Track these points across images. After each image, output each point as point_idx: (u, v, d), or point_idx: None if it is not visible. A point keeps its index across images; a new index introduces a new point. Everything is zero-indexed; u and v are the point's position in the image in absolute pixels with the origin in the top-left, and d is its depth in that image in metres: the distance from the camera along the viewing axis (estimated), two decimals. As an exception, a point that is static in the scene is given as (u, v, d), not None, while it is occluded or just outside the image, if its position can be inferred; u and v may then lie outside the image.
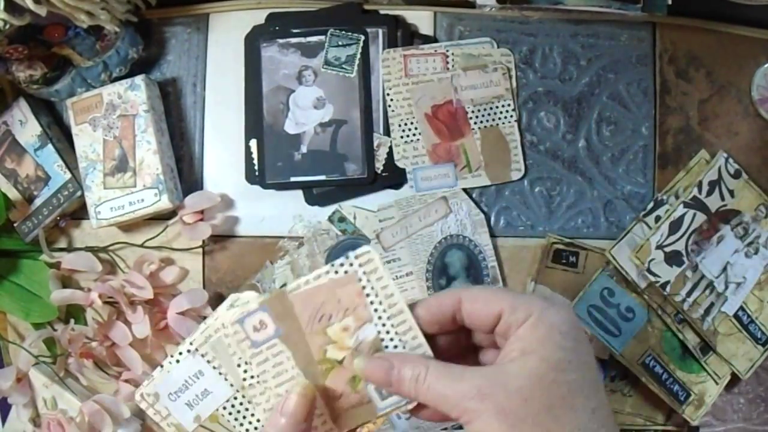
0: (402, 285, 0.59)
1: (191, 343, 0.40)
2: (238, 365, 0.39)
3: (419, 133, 0.60)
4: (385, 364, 0.36)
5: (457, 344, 0.39)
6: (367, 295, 0.37)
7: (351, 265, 0.37)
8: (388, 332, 0.37)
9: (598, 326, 0.57)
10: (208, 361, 0.40)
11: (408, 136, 0.60)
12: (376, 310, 0.37)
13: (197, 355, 0.40)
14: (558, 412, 0.32)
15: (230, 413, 0.40)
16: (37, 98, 0.62)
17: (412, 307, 0.37)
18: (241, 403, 0.40)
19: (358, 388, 0.38)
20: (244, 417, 0.40)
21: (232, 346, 0.38)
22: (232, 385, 0.39)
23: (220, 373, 0.40)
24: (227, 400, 0.40)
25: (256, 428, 0.40)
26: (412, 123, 0.60)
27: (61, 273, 0.62)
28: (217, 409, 0.40)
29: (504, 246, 0.60)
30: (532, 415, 0.32)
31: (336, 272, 0.37)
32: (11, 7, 0.51)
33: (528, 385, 0.33)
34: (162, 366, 0.40)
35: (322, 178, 0.60)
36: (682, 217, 0.58)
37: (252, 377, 0.38)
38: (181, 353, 0.40)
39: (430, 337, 0.38)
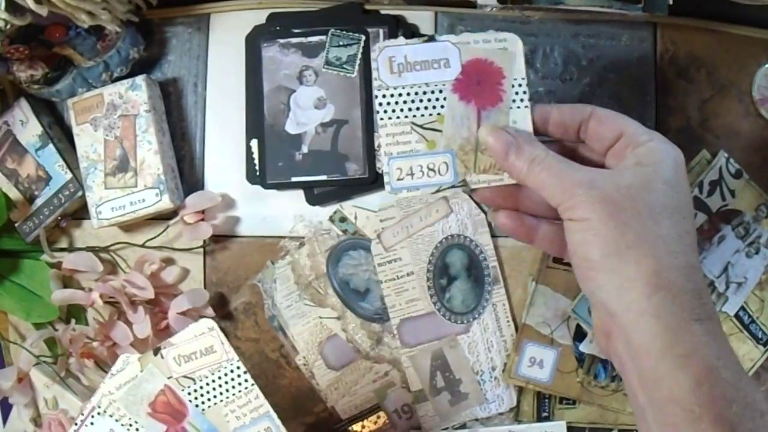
0: (403, 285, 0.59)
1: (99, 406, 0.43)
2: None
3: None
4: (508, 137, 0.39)
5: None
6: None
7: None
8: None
9: (599, 326, 0.57)
10: (117, 420, 0.43)
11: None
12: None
13: (106, 417, 0.43)
14: (658, 216, 0.35)
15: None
16: (38, 98, 0.62)
17: (546, 107, 0.42)
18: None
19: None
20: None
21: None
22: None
23: (137, 429, 0.44)
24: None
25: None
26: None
27: (62, 273, 0.62)
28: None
29: (505, 246, 0.60)
30: (635, 210, 0.35)
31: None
32: (12, 7, 0.51)
33: (637, 185, 0.35)
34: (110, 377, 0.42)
35: (323, 178, 0.60)
36: (683, 217, 0.58)
37: None
38: (92, 416, 0.43)
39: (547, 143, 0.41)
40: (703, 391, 0.32)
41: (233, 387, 0.44)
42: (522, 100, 0.45)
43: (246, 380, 0.44)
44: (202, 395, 0.44)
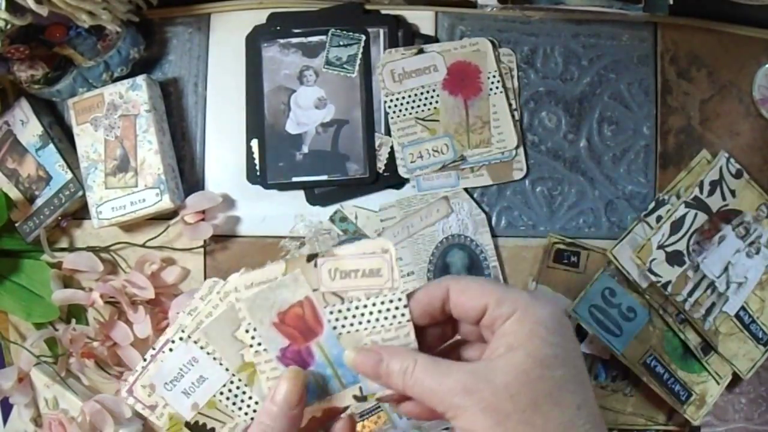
0: (403, 285, 0.59)
1: (182, 331, 0.39)
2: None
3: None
4: (375, 356, 0.37)
5: (443, 338, 0.39)
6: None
7: None
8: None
9: (600, 326, 0.57)
10: (201, 347, 0.39)
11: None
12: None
13: (190, 342, 0.39)
14: (544, 408, 0.32)
15: (227, 398, 0.39)
16: (39, 98, 0.62)
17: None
18: (237, 387, 0.39)
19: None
20: (242, 401, 0.39)
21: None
22: (227, 370, 0.39)
23: (215, 359, 0.39)
24: (224, 385, 0.39)
25: (254, 411, 0.39)
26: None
27: (62, 273, 0.62)
28: (214, 395, 0.39)
29: (505, 246, 0.60)
30: (518, 411, 0.32)
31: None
32: (13, 7, 0.51)
33: (514, 381, 0.32)
34: (149, 358, 0.39)
35: (324, 178, 0.60)
36: (683, 217, 0.58)
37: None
38: (173, 341, 0.39)
39: (418, 330, 0.38)
40: None
41: (386, 318, 0.38)
42: (498, 88, 0.59)
43: (403, 315, 0.38)
44: (345, 318, 0.38)
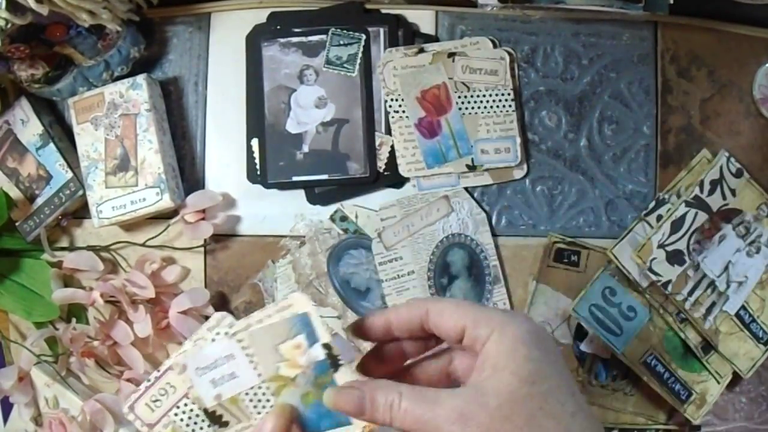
0: (404, 284, 0.59)
1: (230, 326, 0.40)
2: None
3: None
4: (356, 393, 0.36)
5: (426, 349, 0.40)
6: None
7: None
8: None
9: (600, 325, 0.57)
10: (243, 347, 0.40)
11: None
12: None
13: (233, 340, 0.40)
14: (540, 422, 0.33)
15: (251, 400, 0.40)
16: (39, 97, 0.62)
17: (377, 316, 0.39)
18: (264, 394, 0.40)
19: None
20: (263, 407, 0.40)
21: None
22: (259, 375, 0.40)
23: (251, 361, 0.40)
24: (251, 388, 0.40)
25: None
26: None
27: (62, 272, 0.62)
28: (240, 394, 0.40)
29: (505, 245, 0.60)
30: (516, 430, 0.32)
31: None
32: (13, 6, 0.51)
33: (506, 402, 0.33)
34: (152, 379, 0.40)
35: (324, 177, 0.60)
36: (683, 217, 0.58)
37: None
38: (218, 333, 0.40)
39: (398, 341, 0.39)
40: None
41: (497, 107, 0.58)
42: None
43: (510, 106, 0.57)
44: (468, 102, 0.57)
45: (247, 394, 0.40)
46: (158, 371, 0.40)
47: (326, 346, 0.39)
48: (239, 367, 0.40)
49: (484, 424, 0.33)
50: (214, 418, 0.41)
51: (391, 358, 0.40)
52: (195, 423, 0.40)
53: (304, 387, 0.39)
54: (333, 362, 0.39)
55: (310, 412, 0.40)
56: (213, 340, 0.40)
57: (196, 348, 0.40)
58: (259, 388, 0.40)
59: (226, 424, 0.41)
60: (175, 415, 0.40)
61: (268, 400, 0.40)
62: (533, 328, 0.35)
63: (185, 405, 0.40)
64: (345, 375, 0.38)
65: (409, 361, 0.40)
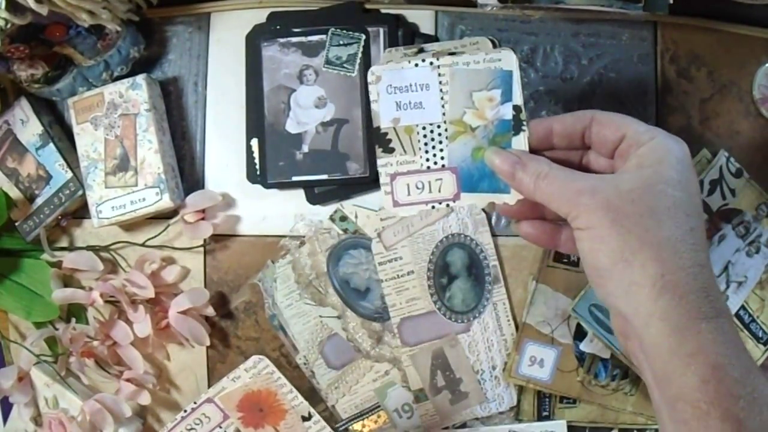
0: (403, 284, 0.59)
1: (437, 58, 0.40)
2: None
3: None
4: (513, 156, 0.40)
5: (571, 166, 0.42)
6: None
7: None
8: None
9: (600, 325, 0.57)
10: (440, 82, 0.40)
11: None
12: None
13: (435, 71, 0.40)
14: (660, 217, 0.35)
15: (425, 136, 0.41)
16: (39, 97, 0.62)
17: (542, 121, 0.41)
18: (440, 134, 0.41)
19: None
20: (433, 147, 0.40)
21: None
22: (444, 114, 0.40)
23: (442, 98, 0.40)
24: (431, 124, 0.41)
25: (434, 164, 0.41)
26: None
27: (62, 272, 0.62)
28: (417, 125, 0.41)
29: (505, 245, 0.60)
30: (637, 214, 0.35)
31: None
32: (13, 6, 0.51)
33: (638, 188, 0.36)
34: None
35: (324, 177, 0.60)
36: (683, 216, 0.58)
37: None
38: (423, 60, 0.41)
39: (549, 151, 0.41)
40: (710, 388, 0.33)
41: None
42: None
43: None
44: None
45: (424, 128, 0.41)
46: (195, 403, 0.40)
47: (516, 108, 0.41)
48: (429, 99, 0.41)
49: (609, 200, 0.36)
50: (382, 139, 0.41)
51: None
52: None
53: (480, 141, 0.41)
54: (517, 125, 0.41)
55: (475, 168, 0.41)
56: (416, 65, 0.41)
57: (397, 66, 0.41)
58: (438, 126, 0.41)
59: (391, 150, 0.41)
60: None
61: (440, 142, 0.40)
62: (686, 151, 0.38)
63: None
64: (521, 143, 0.40)
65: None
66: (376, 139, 0.42)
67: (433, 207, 0.43)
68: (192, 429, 0.41)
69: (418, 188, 0.42)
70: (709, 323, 0.34)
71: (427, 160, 0.42)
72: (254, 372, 0.40)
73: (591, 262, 0.37)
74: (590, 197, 0.36)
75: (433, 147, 0.41)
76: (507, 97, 0.41)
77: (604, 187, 0.36)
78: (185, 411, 0.40)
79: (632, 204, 0.35)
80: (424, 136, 0.41)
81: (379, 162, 0.43)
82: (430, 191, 0.42)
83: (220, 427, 0.41)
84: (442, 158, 0.42)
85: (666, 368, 0.34)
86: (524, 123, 0.41)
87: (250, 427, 0.41)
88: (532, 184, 0.39)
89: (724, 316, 0.35)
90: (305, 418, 0.40)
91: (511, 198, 0.41)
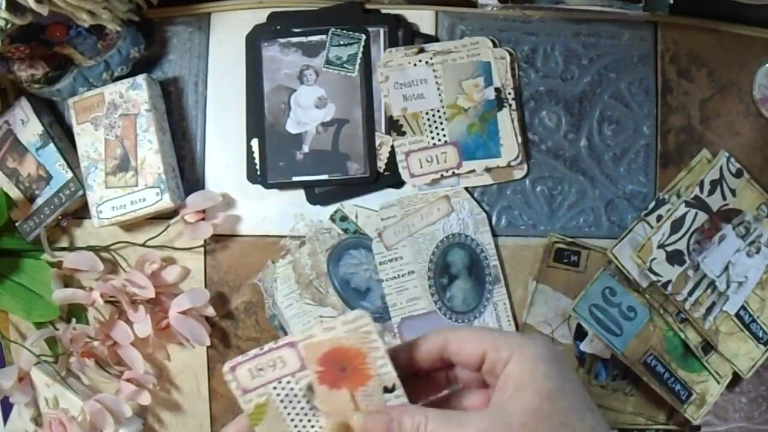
0: (404, 284, 0.59)
1: (431, 57, 0.52)
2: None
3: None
4: (384, 417, 0.37)
5: (436, 388, 0.41)
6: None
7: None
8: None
9: (600, 325, 0.57)
10: (435, 75, 0.52)
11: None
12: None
13: (430, 68, 0.52)
14: None
15: (428, 119, 0.53)
16: (39, 97, 0.62)
17: (400, 349, 0.39)
18: (440, 117, 0.52)
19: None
20: (437, 127, 0.51)
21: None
22: (441, 101, 0.51)
23: (438, 88, 0.52)
24: (432, 109, 0.53)
25: (439, 139, 0.53)
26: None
27: (62, 272, 0.62)
28: (422, 111, 0.53)
29: (505, 245, 0.60)
30: None
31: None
32: (13, 6, 0.51)
33: (530, 419, 0.34)
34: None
35: (324, 177, 0.60)
36: (683, 217, 0.58)
37: None
38: (420, 60, 0.52)
39: (413, 383, 0.39)
40: None
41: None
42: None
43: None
44: None
45: (427, 113, 0.53)
46: (275, 343, 0.39)
47: (497, 89, 0.53)
48: (428, 90, 0.53)
49: None
50: (395, 125, 0.54)
51: (425, 386, 0.41)
52: (290, 402, 0.40)
53: (472, 119, 0.53)
54: (499, 103, 0.54)
55: (471, 141, 0.54)
56: (414, 65, 0.53)
57: (400, 68, 0.53)
58: (438, 111, 0.53)
59: (403, 133, 0.54)
60: (274, 389, 0.39)
61: (441, 123, 0.52)
62: (550, 348, 0.37)
63: (288, 383, 0.39)
64: (505, 117, 0.52)
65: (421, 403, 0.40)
66: (391, 126, 0.56)
67: (442, 176, 0.56)
68: (262, 370, 0.40)
69: (428, 161, 0.55)
70: None
71: (432, 138, 0.54)
72: (351, 327, 0.39)
73: None
74: None
75: (436, 127, 0.52)
76: (489, 82, 0.55)
77: (497, 428, 0.34)
78: (261, 349, 0.40)
79: None
80: (428, 119, 0.53)
81: (395, 144, 0.56)
82: (438, 162, 0.54)
83: (292, 377, 0.39)
84: (444, 135, 0.55)
85: None
86: (505, 101, 0.51)
87: (325, 385, 0.39)
88: None
89: None
90: (387, 390, 0.39)
91: (503, 161, 0.55)
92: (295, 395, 0.40)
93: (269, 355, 0.39)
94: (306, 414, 0.40)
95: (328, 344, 0.39)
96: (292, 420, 0.40)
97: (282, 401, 0.40)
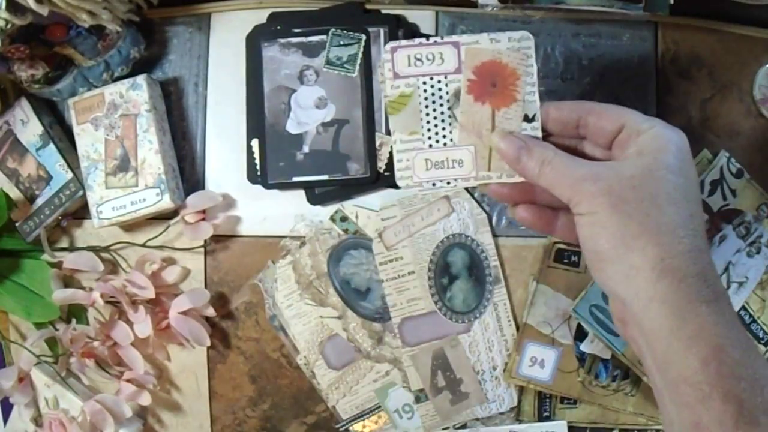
0: (404, 284, 0.59)
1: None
2: None
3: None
4: (518, 141, 0.40)
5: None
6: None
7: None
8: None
9: (600, 326, 0.57)
10: None
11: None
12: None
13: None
14: (661, 203, 0.36)
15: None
16: (39, 98, 0.62)
17: (545, 105, 0.41)
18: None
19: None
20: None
21: None
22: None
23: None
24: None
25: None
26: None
27: (62, 273, 0.62)
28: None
29: (506, 245, 0.60)
30: (638, 200, 0.36)
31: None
32: (13, 6, 0.51)
33: (639, 174, 0.36)
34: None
35: (325, 177, 0.60)
36: (684, 217, 0.58)
37: None
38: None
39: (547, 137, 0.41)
40: (711, 369, 0.33)
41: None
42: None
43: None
44: None
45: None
46: (441, 38, 0.40)
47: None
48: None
49: (611, 186, 0.36)
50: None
51: None
52: (434, 102, 0.40)
53: None
54: None
55: None
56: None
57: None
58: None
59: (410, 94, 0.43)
60: (424, 83, 0.40)
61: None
62: (684, 139, 0.39)
63: (438, 82, 0.39)
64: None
65: None
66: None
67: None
68: (420, 60, 0.40)
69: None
70: (709, 306, 0.34)
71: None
72: (514, 45, 0.39)
73: (591, 247, 0.37)
74: (592, 183, 0.37)
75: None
76: None
77: (606, 173, 0.37)
78: (426, 39, 0.40)
79: (633, 190, 0.36)
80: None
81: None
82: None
83: (445, 77, 0.40)
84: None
85: (666, 351, 0.35)
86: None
87: (471, 95, 0.40)
88: (537, 170, 0.39)
89: (723, 300, 0.35)
90: (527, 119, 0.40)
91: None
92: (441, 97, 0.40)
93: (432, 48, 0.39)
94: (444, 120, 0.40)
95: (488, 54, 0.39)
96: (429, 122, 0.40)
97: (426, 99, 0.40)
